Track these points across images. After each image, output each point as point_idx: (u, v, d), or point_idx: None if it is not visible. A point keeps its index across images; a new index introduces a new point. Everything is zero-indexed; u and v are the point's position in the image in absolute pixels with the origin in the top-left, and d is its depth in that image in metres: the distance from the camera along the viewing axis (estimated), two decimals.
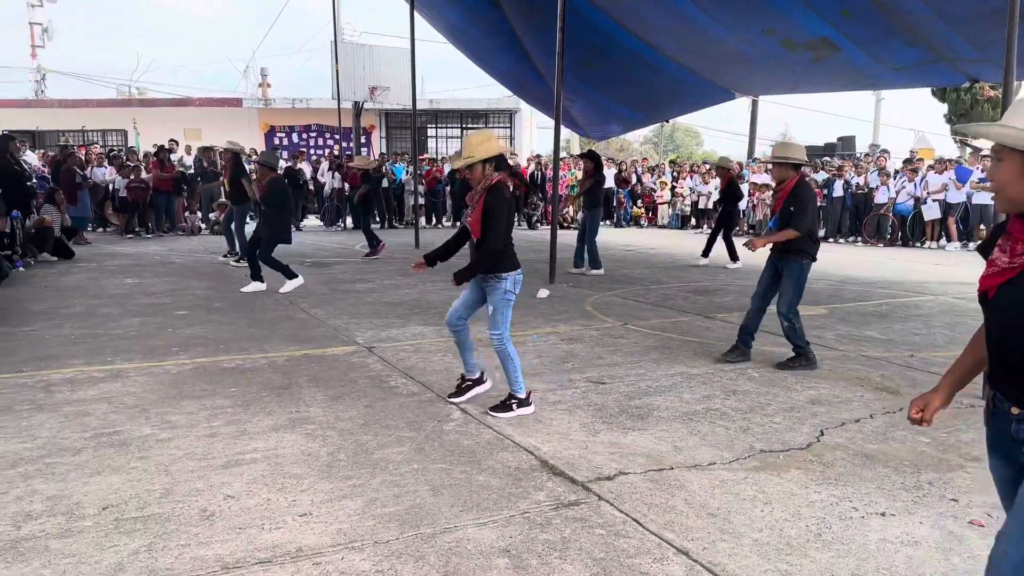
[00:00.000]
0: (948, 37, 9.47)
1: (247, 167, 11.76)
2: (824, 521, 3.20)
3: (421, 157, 17.36)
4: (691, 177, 21.34)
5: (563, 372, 5.55)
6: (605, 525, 3.11)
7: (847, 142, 23.84)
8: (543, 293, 8.93)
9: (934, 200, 16.00)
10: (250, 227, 11.84)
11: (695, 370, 5.66)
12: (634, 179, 22.87)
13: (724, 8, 10.21)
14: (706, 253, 12.40)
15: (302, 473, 3.62)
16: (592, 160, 11.39)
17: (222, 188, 14.41)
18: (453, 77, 65.48)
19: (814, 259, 5.85)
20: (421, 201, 19.24)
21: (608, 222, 21.92)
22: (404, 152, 22.73)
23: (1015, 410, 1.85)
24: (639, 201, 22.66)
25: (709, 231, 13.72)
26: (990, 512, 3.25)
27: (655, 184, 22.47)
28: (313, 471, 3.64)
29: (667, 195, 22.02)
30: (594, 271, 10.99)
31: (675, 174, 22.74)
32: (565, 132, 30.70)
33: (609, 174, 21.06)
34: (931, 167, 16.66)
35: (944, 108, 26.79)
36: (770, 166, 6.12)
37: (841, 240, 17.39)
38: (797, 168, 5.83)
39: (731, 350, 6.00)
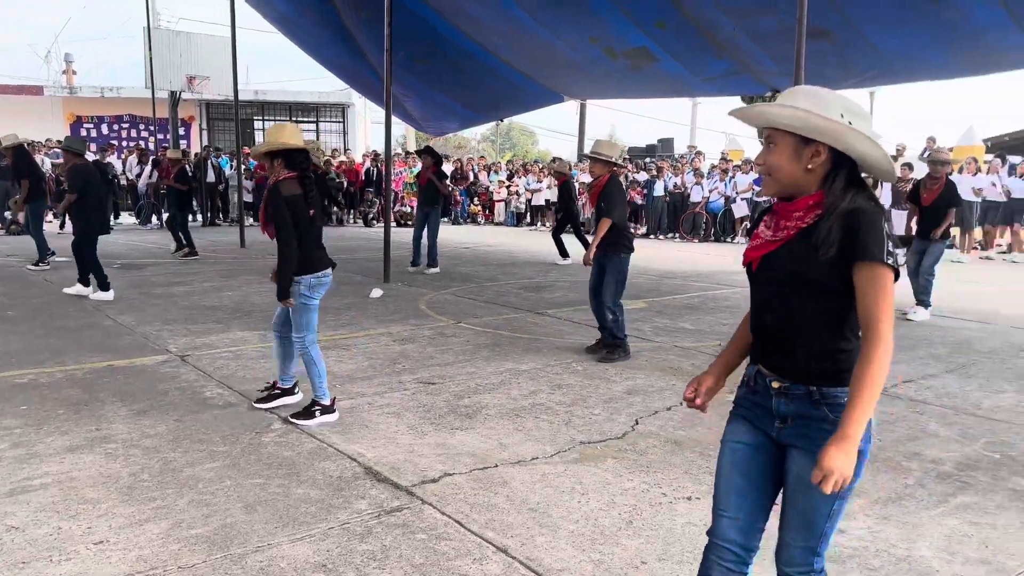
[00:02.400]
0: (752, 51, 10.26)
1: (44, 159, 10.73)
2: (636, 508, 3.36)
3: (246, 151, 16.56)
4: (526, 176, 21.83)
5: (393, 374, 5.49)
6: (427, 529, 3.10)
7: (666, 144, 25.26)
8: (376, 293, 8.80)
9: (742, 199, 17.27)
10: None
11: (524, 366, 5.78)
12: (471, 176, 23.07)
13: (551, 15, 10.51)
14: (564, 253, 12.49)
15: (99, 497, 3.34)
16: (431, 156, 11.35)
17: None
18: (283, 67, 63.24)
19: (631, 251, 6.15)
20: (248, 198, 18.39)
21: (445, 220, 22.00)
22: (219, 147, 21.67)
23: (776, 384, 1.93)
24: (476, 199, 22.88)
25: (546, 228, 14.09)
26: None
27: (492, 182, 22.78)
28: (113, 494, 3.37)
29: (504, 193, 22.38)
30: (431, 269, 10.96)
31: (511, 172, 23.17)
32: (401, 128, 30.51)
33: (445, 170, 21.11)
34: (739, 167, 17.97)
35: None
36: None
37: (661, 237, 18.40)
38: (611, 166, 6.10)
39: (599, 343, 6.21)
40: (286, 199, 4.27)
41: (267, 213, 4.32)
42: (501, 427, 4.39)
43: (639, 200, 19.29)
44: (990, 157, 16.61)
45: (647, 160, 22.22)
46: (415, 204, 14.48)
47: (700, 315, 8.08)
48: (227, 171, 19.57)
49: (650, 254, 14.15)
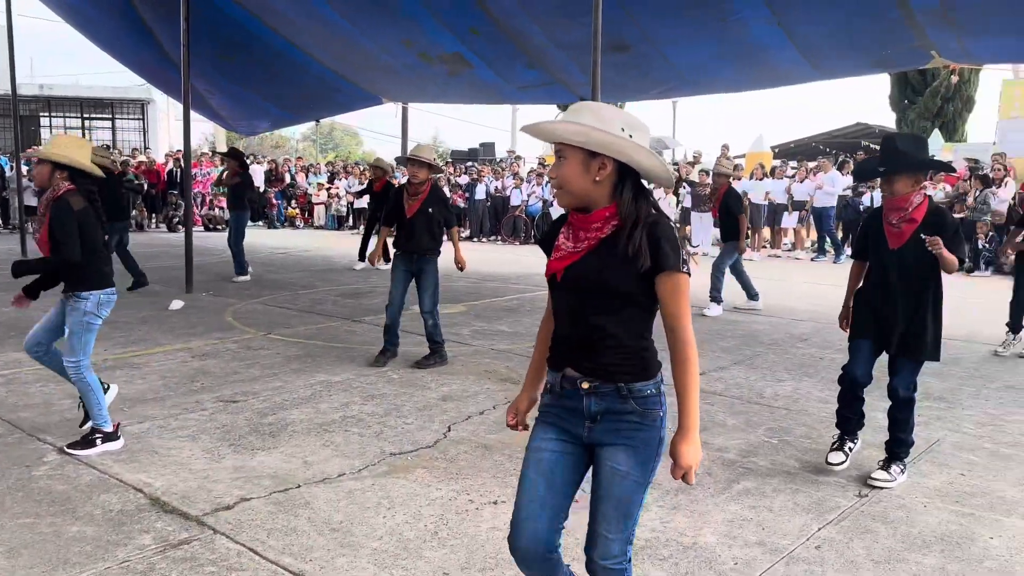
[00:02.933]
0: (562, 61, 10.60)
1: None
2: (442, 518, 3.35)
3: (33, 150, 14.99)
4: (347, 178, 21.37)
5: (190, 393, 5.15)
6: (217, 561, 2.92)
7: (488, 148, 25.69)
8: (176, 304, 8.24)
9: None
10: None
11: (337, 377, 5.63)
12: (288, 178, 22.26)
13: (362, 16, 10.30)
14: (387, 258, 12.26)
15: None
16: (236, 159, 10.81)
17: None
18: (76, 60, 57.79)
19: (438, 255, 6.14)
20: (34, 201, 16.64)
21: (261, 223, 21.07)
22: None
23: (586, 384, 2.02)
24: (293, 201, 22.11)
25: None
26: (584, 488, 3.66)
27: (311, 184, 22.09)
28: None
29: (323, 195, 21.77)
30: (240, 277, 10.43)
31: (331, 174, 22.59)
32: (209, 126, 28.85)
33: (257, 172, 20.26)
34: None
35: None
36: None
37: (484, 240, 18.66)
38: (432, 169, 6.06)
39: (381, 353, 6.10)
40: (76, 214, 3.89)
41: (51, 228, 3.89)
42: (307, 444, 4.23)
43: (462, 203, 19.46)
44: (779, 162, 18.26)
45: (469, 164, 22.47)
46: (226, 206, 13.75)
47: (517, 317, 8.24)
48: (7, 172, 17.64)
49: (472, 257, 14.25)
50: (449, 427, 4.56)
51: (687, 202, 16.68)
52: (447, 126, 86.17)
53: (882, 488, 3.73)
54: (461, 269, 6.33)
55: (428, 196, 5.95)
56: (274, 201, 21.35)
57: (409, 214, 5.98)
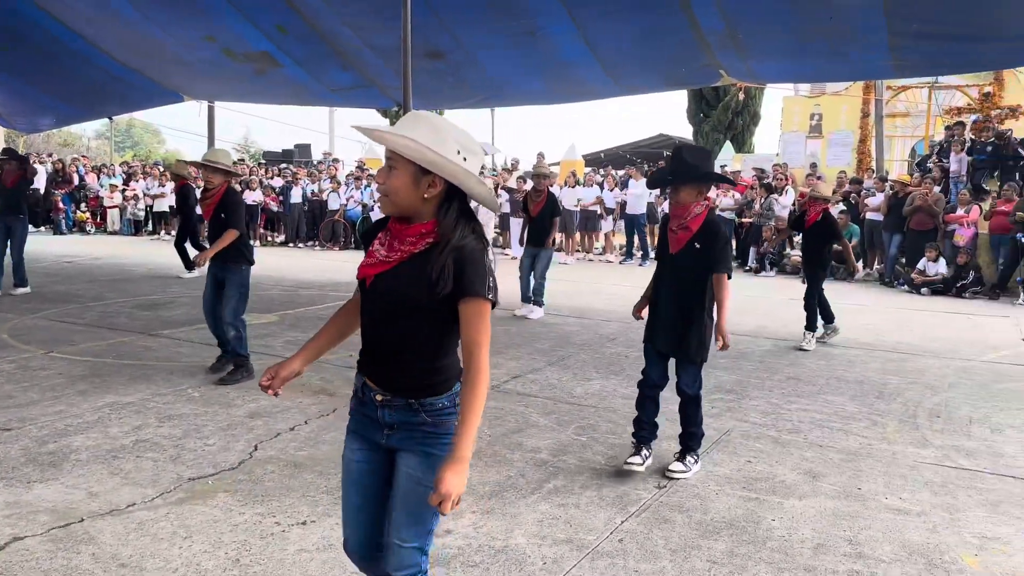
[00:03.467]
0: (376, 65, 10.46)
1: None
2: (245, 544, 3.17)
3: None
4: (145, 179, 19.91)
5: None
6: None
7: (303, 149, 24.90)
8: None
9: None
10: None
11: (129, 398, 5.19)
12: (76, 180, 20.38)
13: (156, 8, 9.61)
14: (189, 265, 11.46)
15: None
16: (15, 159, 9.72)
17: None
18: None
19: (252, 263, 5.87)
20: None
21: (43, 228, 19.14)
22: None
23: (379, 396, 2.02)
24: (84, 205, 20.28)
25: (170, 237, 12.96)
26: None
27: (103, 186, 20.35)
28: None
29: (117, 198, 20.13)
30: (19, 289, 9.38)
31: (127, 175, 20.94)
32: None
33: (42, 172, 18.42)
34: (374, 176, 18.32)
35: (386, 124, 29.88)
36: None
37: (300, 245, 18.05)
38: (228, 175, 5.77)
39: (220, 362, 5.85)
40: None
41: None
42: (93, 473, 3.87)
43: (275, 207, 18.71)
44: (589, 170, 19.09)
45: (283, 166, 21.65)
46: None
47: None
48: None
49: (287, 263, 13.80)
50: (256, 446, 4.34)
51: (506, 208, 17.03)
52: (259, 126, 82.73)
53: (679, 479, 3.98)
54: (198, 265, 6.00)
55: (220, 201, 5.67)
56: (61, 205, 19.47)
57: (205, 219, 5.71)
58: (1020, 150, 12.81)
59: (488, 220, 16.18)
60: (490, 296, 1.94)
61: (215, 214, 5.68)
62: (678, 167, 3.97)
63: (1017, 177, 12.54)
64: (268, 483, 3.81)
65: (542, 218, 8.79)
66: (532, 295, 8.83)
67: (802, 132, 20.98)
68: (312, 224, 18.21)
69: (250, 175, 19.53)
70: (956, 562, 3.16)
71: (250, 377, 5.71)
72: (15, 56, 12.08)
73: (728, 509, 3.64)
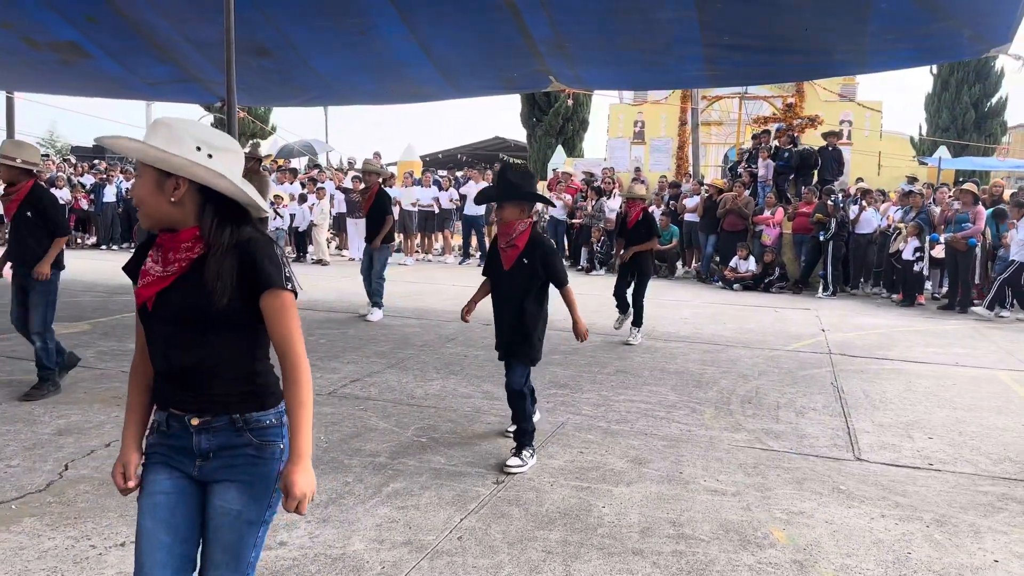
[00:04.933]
0: (197, 59, 9.93)
1: None
2: (56, 570, 2.93)
3: None
4: None
5: None
6: None
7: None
8: None
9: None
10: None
11: None
12: None
13: None
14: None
15: None
16: None
17: None
18: None
19: (61, 267, 5.39)
20: None
21: None
22: None
23: (195, 420, 1.86)
24: None
25: None
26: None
27: None
28: None
29: None
30: None
31: None
32: None
33: None
34: None
35: (209, 119, 28.40)
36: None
37: (115, 247, 16.80)
38: (31, 173, 5.27)
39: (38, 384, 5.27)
40: None
41: None
42: None
43: (86, 206, 17.30)
44: (427, 171, 19.07)
45: (94, 162, 20.05)
46: None
47: None
48: None
49: (100, 267, 12.82)
50: (66, 465, 4.01)
51: (342, 208, 16.71)
52: (66, 119, 75.92)
53: (516, 473, 4.08)
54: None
55: (26, 199, 5.14)
56: None
57: (7, 219, 5.19)
58: (817, 160, 14.15)
59: (322, 222, 15.81)
60: (288, 286, 1.85)
61: (19, 213, 5.16)
62: (502, 187, 4.14)
63: (814, 182, 13.85)
64: (81, 504, 3.53)
65: (372, 216, 8.68)
66: (370, 296, 8.72)
67: (627, 138, 22.07)
68: (127, 225, 16.98)
69: (56, 171, 17.95)
70: (767, 536, 3.45)
71: (57, 392, 5.28)
72: None
73: (562, 499, 3.78)
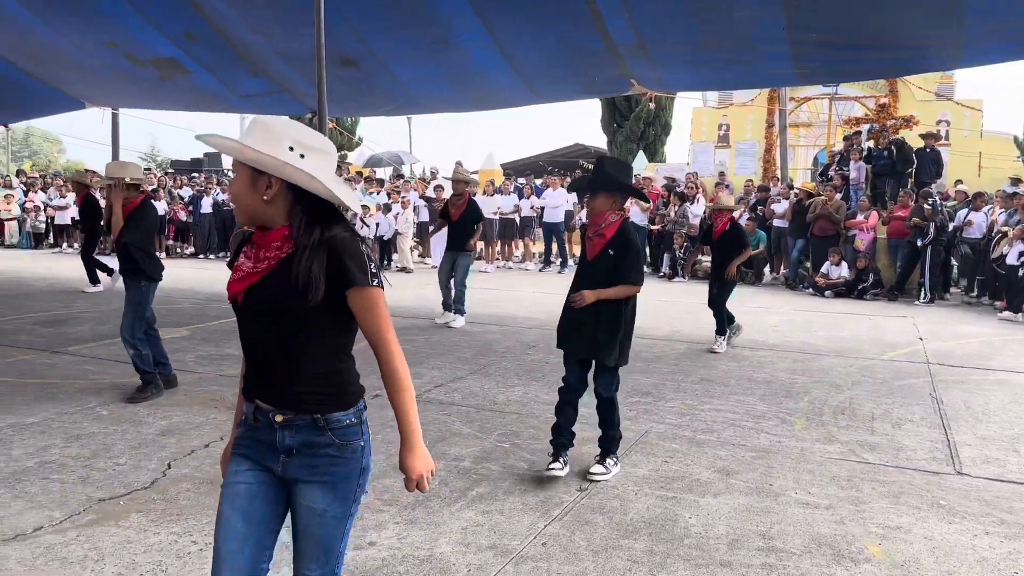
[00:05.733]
0: (288, 72, 10.30)
1: None
2: (161, 564, 3.08)
3: None
4: (46, 190, 18.99)
5: None
6: None
7: (213, 158, 24.24)
8: None
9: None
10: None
11: (32, 418, 4.95)
12: None
13: (56, 13, 9.21)
14: (93, 279, 11.03)
15: None
16: None
17: None
18: None
19: (155, 280, 5.62)
20: None
21: None
22: None
23: (279, 417, 1.90)
24: None
25: (74, 250, 12.44)
26: None
27: None
28: None
29: (16, 210, 19.13)
30: None
31: (27, 185, 19.95)
32: None
33: None
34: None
35: None
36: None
37: (212, 256, 17.54)
38: (138, 188, 5.58)
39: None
40: None
41: None
42: None
43: (184, 217, 18.14)
44: (506, 179, 19.23)
45: (193, 174, 21.01)
46: None
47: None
48: None
49: (198, 275, 13.38)
50: (169, 464, 4.20)
51: (424, 216, 16.99)
52: (166, 134, 80.00)
53: (599, 481, 4.06)
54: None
55: (135, 210, 5.48)
56: None
57: (114, 236, 5.54)
58: (914, 157, 13.57)
59: (406, 230, 16.12)
60: (374, 283, 1.87)
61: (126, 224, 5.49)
62: (597, 176, 4.09)
63: (911, 184, 13.29)
64: (183, 502, 3.70)
65: (463, 223, 8.78)
66: (453, 303, 8.82)
67: (711, 142, 21.69)
68: (223, 235, 17.72)
69: (158, 185, 18.90)
70: (862, 551, 3.33)
71: (159, 394, 5.52)
72: None
73: (647, 509, 3.74)
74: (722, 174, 18.35)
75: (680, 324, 8.87)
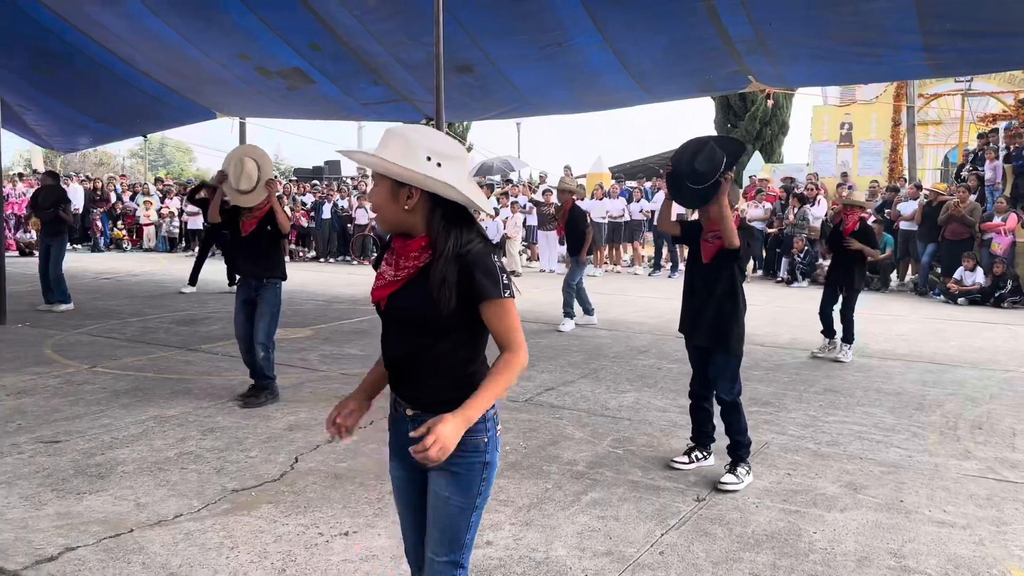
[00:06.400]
0: (406, 80, 10.57)
1: None
2: (290, 554, 3.22)
3: None
4: (179, 196, 20.27)
5: (4, 435, 4.67)
6: None
7: (333, 166, 25.20)
8: None
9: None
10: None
11: (171, 411, 5.29)
12: (113, 197, 20.82)
13: (193, 28, 9.81)
14: (193, 280, 11.85)
15: None
16: (52, 179, 10.02)
17: None
18: None
19: (285, 278, 5.73)
20: None
21: (82, 246, 19.60)
22: None
23: (409, 411, 2.04)
24: (120, 222, 20.70)
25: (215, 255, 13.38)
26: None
27: (139, 204, 20.76)
28: None
29: (153, 216, 20.53)
30: (63, 306, 9.59)
31: (163, 193, 21.37)
32: (24, 144, 26.51)
33: (75, 191, 18.91)
34: None
35: None
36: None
37: (331, 260, 18.24)
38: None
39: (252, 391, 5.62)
40: None
41: None
42: (140, 485, 3.95)
43: (306, 223, 18.94)
44: (614, 182, 19.07)
45: (313, 182, 21.93)
46: None
47: (369, 339, 8.08)
48: None
49: (319, 278, 13.94)
50: (296, 458, 4.40)
51: (533, 221, 17.10)
52: (289, 143, 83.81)
53: (731, 491, 3.95)
54: None
55: (266, 215, 5.53)
56: (98, 223, 19.88)
57: (243, 233, 5.57)
58: None
59: (515, 234, 16.26)
60: (506, 294, 1.93)
61: (258, 229, 5.55)
62: (695, 193, 4.10)
63: None
64: (310, 494, 3.86)
65: (568, 233, 8.99)
66: (568, 307, 8.87)
67: (832, 141, 20.79)
68: (343, 239, 18.41)
69: (283, 192, 19.83)
70: (1005, 575, 3.11)
71: (275, 400, 5.54)
72: (57, 79, 12.38)
73: (769, 522, 3.62)
74: (845, 174, 17.57)
75: (800, 332, 8.54)
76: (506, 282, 1.94)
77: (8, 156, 17.07)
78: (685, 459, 4.31)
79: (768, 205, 15.10)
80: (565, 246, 9.23)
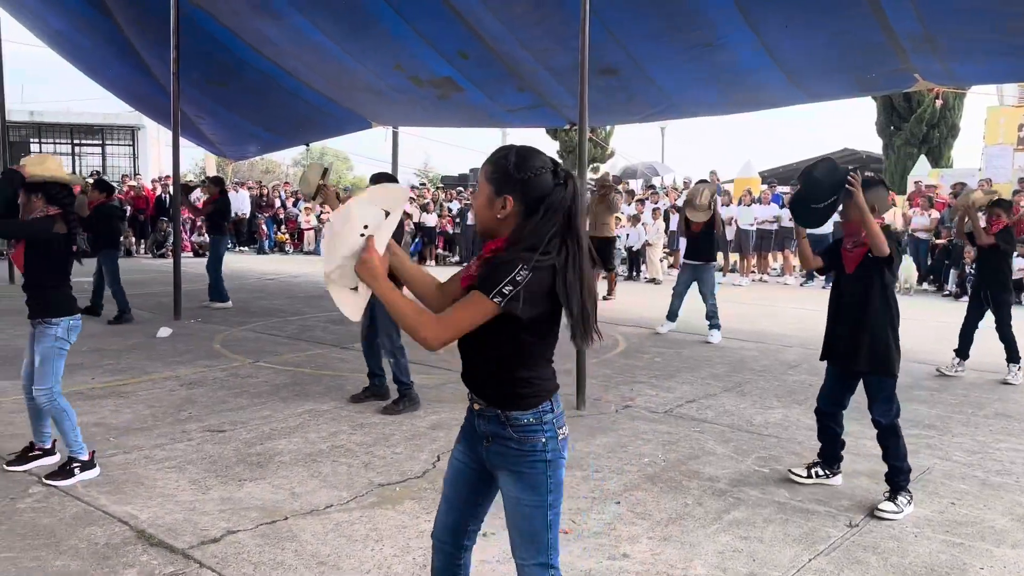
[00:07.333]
0: (551, 85, 10.67)
1: None
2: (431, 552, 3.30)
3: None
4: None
5: (177, 423, 5.10)
6: None
7: (478, 173, 25.79)
8: (164, 332, 8.18)
9: None
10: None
11: (324, 406, 5.59)
12: (278, 203, 22.29)
13: (353, 41, 10.35)
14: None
15: None
16: (217, 185, 10.84)
17: None
18: (66, 85, 57.31)
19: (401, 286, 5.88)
20: None
21: (247, 248, 21.08)
22: None
23: (476, 405, 2.12)
24: (283, 227, 22.11)
25: None
26: (573, 519, 3.64)
27: (300, 209, 22.11)
28: None
29: (313, 220, 21.79)
30: (218, 304, 10.30)
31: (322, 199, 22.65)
32: (200, 152, 28.88)
33: (243, 197, 20.38)
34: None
35: (556, 145, 30.31)
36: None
37: None
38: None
39: (366, 392, 5.78)
40: (54, 235, 4.01)
41: (28, 248, 4.01)
42: (295, 475, 4.19)
43: (451, 229, 19.51)
44: (765, 187, 18.40)
45: (458, 189, 22.56)
46: None
47: None
48: None
49: None
50: (438, 456, 4.52)
51: (674, 226, 16.77)
52: (437, 151, 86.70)
53: (888, 520, 3.70)
54: None
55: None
56: (263, 227, 21.34)
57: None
58: None
59: (656, 241, 15.98)
60: (495, 298, 1.92)
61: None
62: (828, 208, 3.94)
63: None
64: None
65: (705, 234, 8.62)
66: (706, 318, 8.57)
67: (1009, 145, 19.09)
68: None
69: (431, 199, 20.54)
70: None
71: (415, 406, 5.50)
72: (230, 91, 13.42)
73: (929, 554, 3.36)
74: (1022, 180, 16.08)
75: (971, 350, 7.87)
76: (506, 292, 1.93)
77: (185, 164, 18.64)
78: (803, 472, 4.16)
79: (936, 213, 14.06)
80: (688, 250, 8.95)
